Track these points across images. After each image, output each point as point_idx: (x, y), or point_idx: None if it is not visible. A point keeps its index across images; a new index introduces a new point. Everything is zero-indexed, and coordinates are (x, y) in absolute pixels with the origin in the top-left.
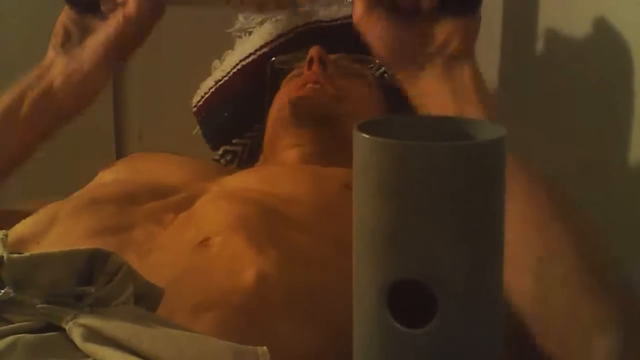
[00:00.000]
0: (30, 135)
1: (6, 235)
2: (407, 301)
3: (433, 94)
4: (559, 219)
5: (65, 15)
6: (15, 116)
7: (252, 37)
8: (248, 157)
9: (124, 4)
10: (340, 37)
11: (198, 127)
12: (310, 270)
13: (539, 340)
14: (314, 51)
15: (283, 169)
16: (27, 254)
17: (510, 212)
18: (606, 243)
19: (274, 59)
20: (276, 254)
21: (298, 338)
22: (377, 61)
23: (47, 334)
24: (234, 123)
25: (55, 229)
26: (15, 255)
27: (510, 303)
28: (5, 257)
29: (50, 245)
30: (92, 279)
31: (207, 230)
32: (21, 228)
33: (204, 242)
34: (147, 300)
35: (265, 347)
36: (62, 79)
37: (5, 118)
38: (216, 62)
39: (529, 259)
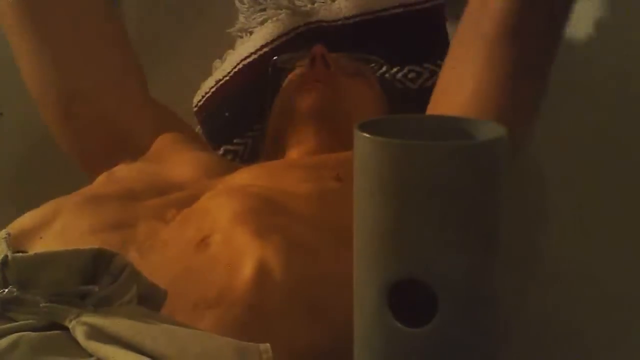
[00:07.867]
0: None
1: (9, 235)
2: (408, 301)
3: None
4: None
5: None
6: None
7: (253, 36)
8: (249, 157)
9: None
10: (342, 36)
11: (199, 127)
12: (312, 260)
13: None
14: (316, 50)
15: (279, 163)
16: (31, 253)
17: None
18: None
19: (275, 58)
20: (278, 243)
21: (300, 331)
22: (378, 60)
23: (50, 332)
24: (235, 123)
25: (58, 224)
26: (19, 254)
27: None
28: (9, 257)
29: (53, 239)
30: (96, 279)
31: (207, 229)
32: (24, 221)
33: (204, 241)
34: (150, 301)
35: (267, 344)
36: None
37: None
38: (217, 62)
39: None
